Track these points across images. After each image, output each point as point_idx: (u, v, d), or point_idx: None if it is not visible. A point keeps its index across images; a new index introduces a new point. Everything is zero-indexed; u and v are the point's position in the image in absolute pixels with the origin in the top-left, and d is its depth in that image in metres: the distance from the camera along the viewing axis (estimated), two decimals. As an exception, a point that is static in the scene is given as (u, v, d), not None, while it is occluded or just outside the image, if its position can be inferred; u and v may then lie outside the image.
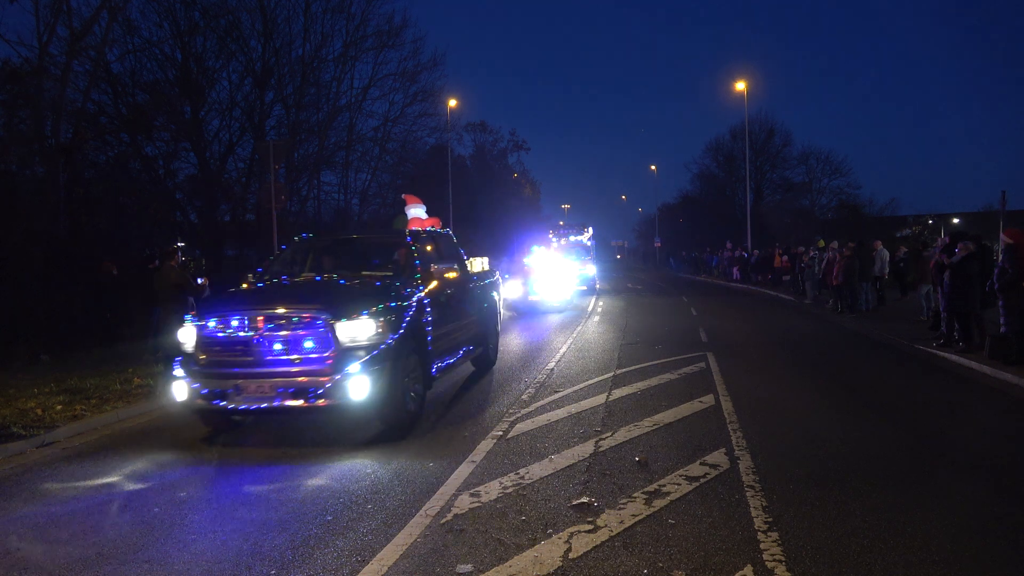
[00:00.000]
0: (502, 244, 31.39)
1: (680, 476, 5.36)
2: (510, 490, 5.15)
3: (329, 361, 6.32)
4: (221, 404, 6.41)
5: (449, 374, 8.85)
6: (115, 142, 24.49)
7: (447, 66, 43.32)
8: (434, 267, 7.95)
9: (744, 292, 28.82)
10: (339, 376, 6.24)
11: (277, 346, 6.40)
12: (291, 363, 6.37)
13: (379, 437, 6.69)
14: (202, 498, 5.32)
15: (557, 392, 8.62)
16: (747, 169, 45.11)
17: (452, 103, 35.33)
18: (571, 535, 4.30)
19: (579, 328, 15.71)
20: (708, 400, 7.95)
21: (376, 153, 33.62)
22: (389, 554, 4.11)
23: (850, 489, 5.06)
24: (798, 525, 4.41)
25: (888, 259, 18.68)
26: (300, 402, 6.25)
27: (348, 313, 6.46)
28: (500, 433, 6.75)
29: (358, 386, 6.26)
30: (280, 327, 6.42)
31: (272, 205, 14.62)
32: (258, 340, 6.40)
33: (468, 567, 3.91)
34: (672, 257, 63.35)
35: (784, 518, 4.51)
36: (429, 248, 8.71)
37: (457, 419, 7.46)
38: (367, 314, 6.51)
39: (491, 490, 5.16)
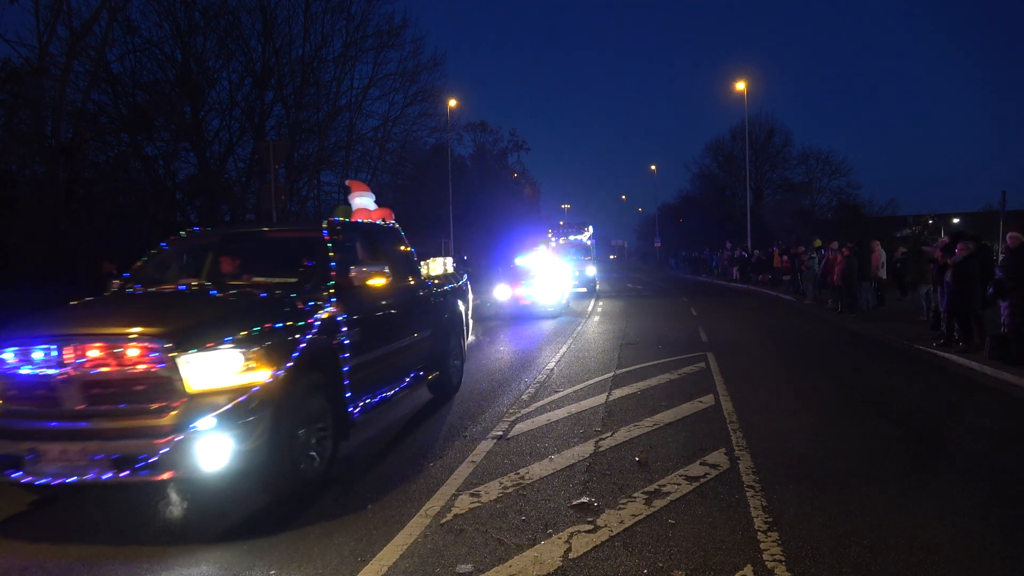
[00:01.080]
0: (502, 244, 30.96)
1: (680, 476, 5.36)
2: (510, 490, 5.15)
3: (170, 413, 4.37)
4: (15, 476, 4.49)
5: (387, 411, 7.31)
6: (115, 142, 24.55)
7: (447, 66, 43.55)
8: (355, 271, 5.96)
9: (744, 292, 28.82)
10: (182, 436, 4.28)
11: (94, 390, 4.48)
12: (113, 416, 4.44)
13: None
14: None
15: (557, 392, 8.62)
16: (747, 169, 45.21)
17: (452, 103, 35.45)
18: (571, 535, 4.30)
19: (577, 330, 15.68)
20: (708, 400, 7.95)
21: (376, 153, 33.74)
22: (389, 554, 4.11)
23: (850, 489, 5.06)
24: (798, 525, 4.41)
25: (885, 260, 18.68)
26: (125, 474, 4.31)
27: (199, 340, 4.49)
28: (500, 433, 6.75)
29: (213, 450, 4.34)
30: (98, 363, 4.46)
31: (272, 205, 14.64)
32: (66, 381, 4.47)
33: (468, 567, 3.91)
34: (672, 257, 63.41)
35: (784, 518, 4.51)
36: (361, 246, 6.88)
37: (457, 419, 7.46)
38: (231, 341, 4.56)
39: (491, 490, 5.16)
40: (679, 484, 5.18)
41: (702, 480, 5.27)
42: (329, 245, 6.12)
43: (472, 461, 5.89)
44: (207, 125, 27.25)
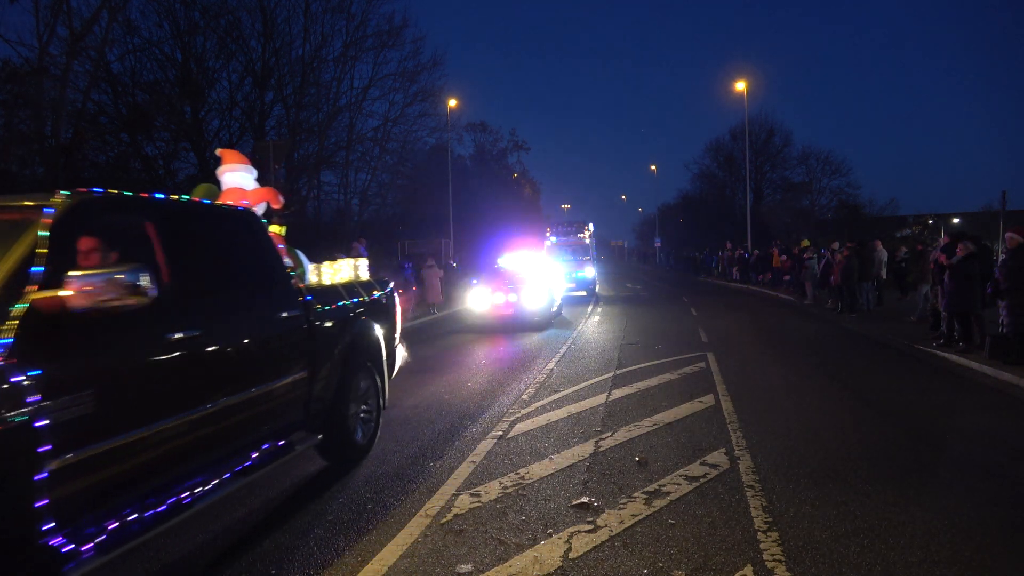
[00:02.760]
0: (489, 243, 29.66)
1: (680, 476, 5.36)
2: (510, 490, 5.15)
3: None
4: None
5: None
6: (115, 142, 24.58)
7: (447, 66, 43.59)
8: (77, 283, 3.13)
9: (744, 292, 28.82)
10: None
11: None
12: None
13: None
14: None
15: (557, 392, 8.62)
16: (747, 169, 45.17)
17: (452, 103, 35.42)
18: (571, 535, 4.31)
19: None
20: (708, 400, 7.95)
21: (376, 153, 33.78)
22: (389, 554, 4.11)
23: (850, 489, 5.06)
24: (798, 525, 4.41)
25: (886, 259, 18.70)
26: None
27: None
28: (500, 433, 6.75)
29: None
30: None
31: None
32: None
33: (468, 567, 3.91)
34: (671, 257, 63.49)
35: (784, 518, 4.52)
36: (161, 242, 3.97)
37: (457, 419, 7.46)
38: None
39: (491, 490, 5.16)
40: (679, 484, 5.18)
41: (702, 480, 5.27)
42: (45, 235, 3.27)
43: (472, 461, 5.89)
44: (207, 125, 27.30)
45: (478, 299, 16.33)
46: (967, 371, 9.94)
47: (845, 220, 48.29)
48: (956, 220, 45.95)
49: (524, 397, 8.40)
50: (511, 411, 7.67)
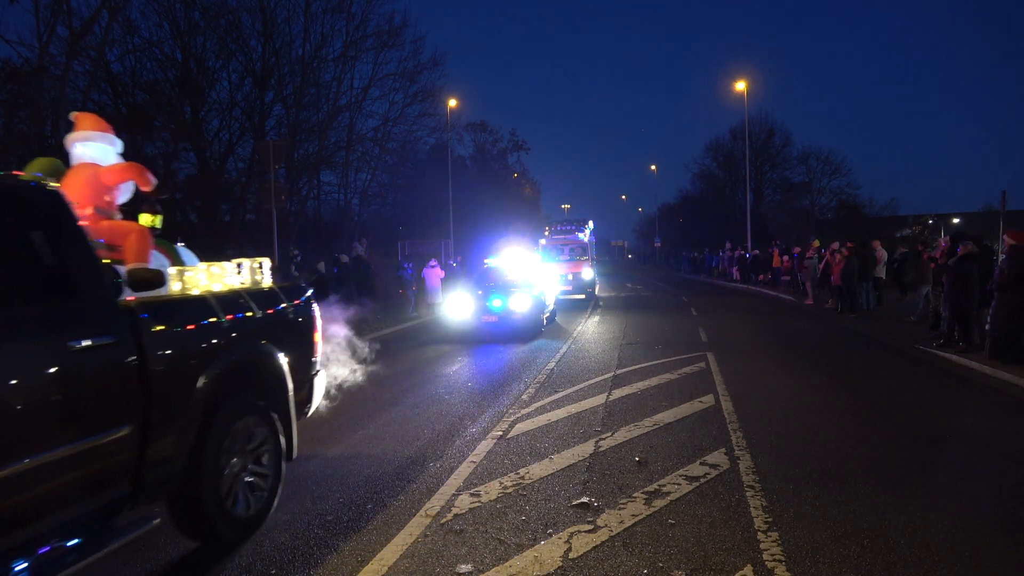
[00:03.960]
0: (491, 244, 28.59)
1: (680, 476, 5.37)
2: (510, 490, 5.15)
3: None
4: None
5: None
6: (115, 142, 24.55)
7: (447, 66, 43.49)
8: None
9: (744, 292, 28.81)
10: None
11: None
12: None
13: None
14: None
15: (557, 392, 8.62)
16: (747, 169, 45.13)
17: (452, 103, 35.36)
18: (571, 535, 4.31)
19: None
20: (708, 400, 7.95)
21: (376, 153, 33.78)
22: (389, 554, 4.11)
23: (850, 489, 5.06)
24: (798, 525, 4.41)
25: (886, 259, 18.68)
26: None
27: None
28: (500, 433, 6.75)
29: None
30: None
31: (272, 205, 14.65)
32: None
33: (468, 567, 3.91)
34: (671, 257, 63.52)
35: (784, 518, 4.52)
36: None
37: (457, 419, 7.46)
38: None
39: (491, 490, 5.16)
40: (679, 484, 5.18)
41: (702, 480, 5.27)
42: None
43: (472, 461, 5.89)
44: (207, 125, 27.32)
45: (459, 305, 14.58)
46: (967, 371, 9.94)
47: (845, 220, 48.29)
48: (956, 220, 45.93)
49: (524, 397, 8.40)
50: (511, 411, 7.67)
